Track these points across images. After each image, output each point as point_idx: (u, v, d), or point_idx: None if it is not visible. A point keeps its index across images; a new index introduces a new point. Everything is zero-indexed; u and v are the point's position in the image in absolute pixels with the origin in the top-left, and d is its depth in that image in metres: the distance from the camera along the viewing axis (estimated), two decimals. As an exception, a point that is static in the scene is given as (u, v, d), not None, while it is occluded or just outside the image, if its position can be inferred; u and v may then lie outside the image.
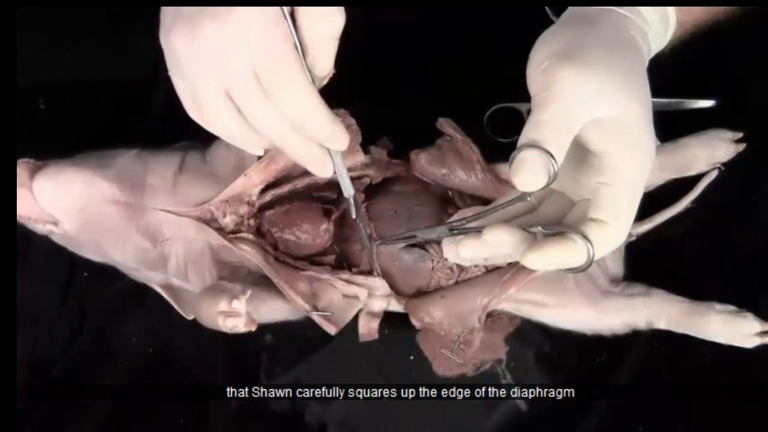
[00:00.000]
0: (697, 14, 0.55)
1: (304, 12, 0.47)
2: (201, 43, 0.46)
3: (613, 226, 0.44)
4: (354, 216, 0.61)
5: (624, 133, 0.45)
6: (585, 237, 0.44)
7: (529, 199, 0.47)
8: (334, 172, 0.55)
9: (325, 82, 0.50)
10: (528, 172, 0.43)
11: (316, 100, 0.49)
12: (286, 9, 0.46)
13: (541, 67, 0.46)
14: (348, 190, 0.58)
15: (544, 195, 0.50)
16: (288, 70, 0.47)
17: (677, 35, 0.55)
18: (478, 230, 0.47)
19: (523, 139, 0.44)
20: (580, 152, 0.47)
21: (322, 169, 0.55)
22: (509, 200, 0.49)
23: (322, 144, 0.52)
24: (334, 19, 0.48)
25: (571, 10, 0.51)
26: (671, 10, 0.52)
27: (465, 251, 0.49)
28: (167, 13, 0.49)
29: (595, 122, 0.44)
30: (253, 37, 0.46)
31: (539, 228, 0.46)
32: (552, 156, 0.43)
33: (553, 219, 0.49)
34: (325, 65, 0.49)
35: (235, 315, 0.57)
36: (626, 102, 0.45)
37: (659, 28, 0.51)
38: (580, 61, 0.45)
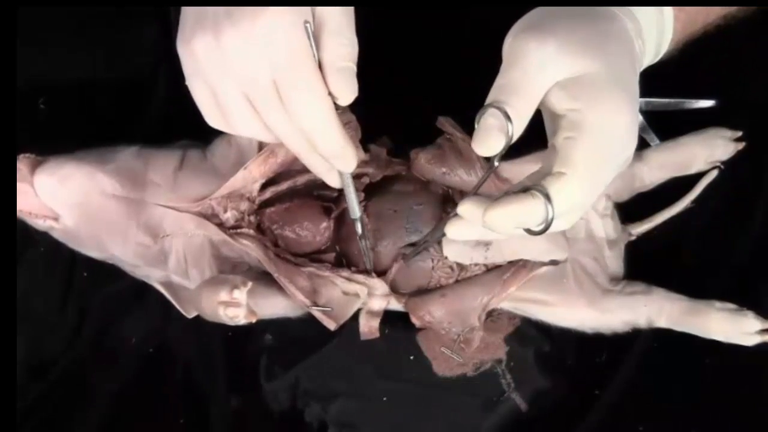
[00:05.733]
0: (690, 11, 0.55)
1: (327, 30, 0.48)
2: (223, 50, 0.47)
3: (569, 176, 0.44)
4: (360, 233, 0.62)
5: (587, 90, 0.44)
6: (544, 191, 0.43)
7: (496, 164, 0.46)
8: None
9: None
10: (484, 136, 0.44)
11: (329, 115, 0.50)
12: (309, 24, 0.47)
13: (507, 42, 0.47)
14: (355, 212, 0.60)
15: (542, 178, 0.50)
16: (304, 81, 0.48)
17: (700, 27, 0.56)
18: None
19: (485, 104, 0.45)
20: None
21: (330, 181, 0.57)
22: (484, 175, 0.49)
23: (330, 161, 0.53)
24: (353, 42, 0.49)
25: None
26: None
27: (454, 233, 0.49)
28: (187, 20, 0.50)
29: (559, 84, 0.45)
30: (274, 46, 0.47)
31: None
32: (509, 117, 0.43)
33: None
34: (345, 88, 0.49)
35: (235, 305, 0.57)
36: (589, 61, 0.45)
37: (651, 10, 0.51)
38: (538, 28, 0.46)
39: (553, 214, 0.43)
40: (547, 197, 0.43)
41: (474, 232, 0.48)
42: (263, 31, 0.46)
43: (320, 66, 0.48)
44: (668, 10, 0.52)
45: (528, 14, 0.48)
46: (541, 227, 0.44)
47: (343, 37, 0.49)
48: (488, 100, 0.45)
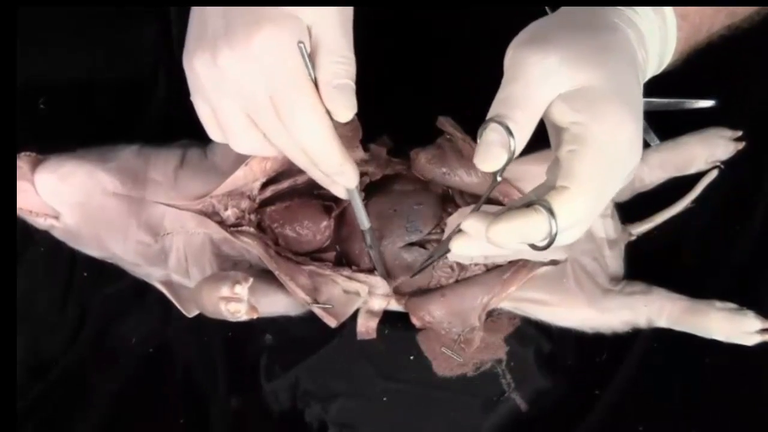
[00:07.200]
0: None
1: (323, 49, 0.48)
2: (220, 68, 0.48)
3: (572, 190, 0.43)
4: (368, 242, 0.63)
5: (589, 102, 0.44)
6: (547, 206, 0.43)
7: (499, 179, 0.46)
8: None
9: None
10: (486, 151, 0.44)
11: (326, 135, 0.50)
12: (303, 44, 0.47)
13: (507, 56, 0.47)
14: (364, 223, 0.60)
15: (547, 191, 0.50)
16: (299, 101, 0.48)
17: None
18: None
19: (486, 119, 0.45)
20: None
21: (336, 192, 0.57)
22: (487, 189, 0.49)
23: (331, 177, 0.54)
24: (350, 60, 0.49)
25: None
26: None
27: (458, 249, 0.48)
28: (190, 36, 0.50)
29: (561, 97, 0.45)
30: (269, 66, 0.47)
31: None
32: (510, 132, 0.43)
33: None
34: (341, 106, 0.49)
35: (237, 300, 0.57)
36: (591, 73, 0.44)
37: (652, 16, 0.51)
38: (539, 41, 0.45)
39: (557, 229, 0.43)
40: (551, 212, 0.43)
41: (479, 247, 0.48)
42: (257, 51, 0.47)
43: (317, 84, 0.49)
44: (671, 19, 0.52)
45: (529, 26, 0.48)
46: (546, 242, 0.44)
47: (340, 55, 0.49)
48: (489, 114, 0.45)
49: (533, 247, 0.45)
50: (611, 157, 0.44)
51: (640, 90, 0.48)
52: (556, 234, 0.43)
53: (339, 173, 0.53)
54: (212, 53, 0.47)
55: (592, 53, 0.45)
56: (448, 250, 0.50)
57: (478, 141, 0.45)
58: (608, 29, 0.48)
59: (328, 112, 0.50)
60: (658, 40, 0.51)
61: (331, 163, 0.52)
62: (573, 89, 0.44)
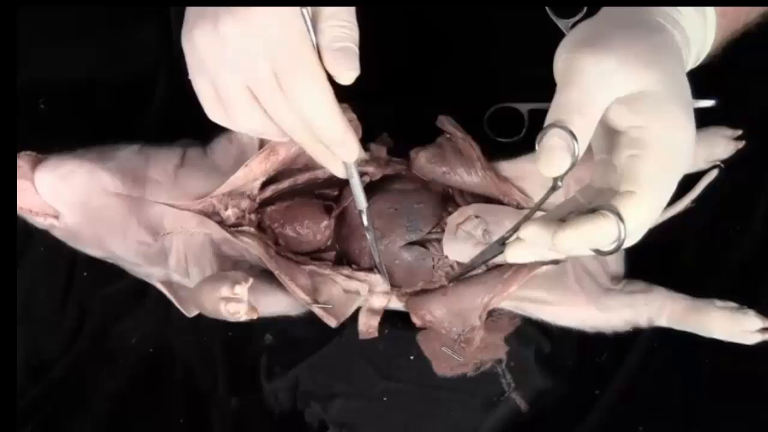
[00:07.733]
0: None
1: (323, 15, 0.48)
2: (222, 40, 0.48)
3: (639, 194, 0.43)
4: (365, 223, 0.62)
5: (648, 105, 0.44)
6: (615, 211, 0.43)
7: (559, 184, 0.46)
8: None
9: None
10: (550, 156, 0.44)
11: (327, 100, 0.49)
12: (306, 10, 0.47)
13: (561, 59, 0.46)
14: (361, 203, 0.59)
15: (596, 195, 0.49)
16: (302, 66, 0.48)
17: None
18: None
19: (545, 125, 0.44)
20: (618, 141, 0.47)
21: (335, 170, 0.56)
22: (544, 195, 0.49)
23: (332, 150, 0.53)
24: (351, 24, 0.49)
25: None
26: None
27: (513, 257, 0.48)
28: (190, 14, 0.50)
29: (620, 101, 0.45)
30: (272, 34, 0.47)
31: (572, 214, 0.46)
32: (573, 136, 0.43)
33: None
34: (343, 66, 0.49)
35: (237, 300, 0.57)
36: (646, 76, 0.44)
37: (695, 16, 0.51)
38: (594, 44, 0.45)
39: (626, 233, 0.43)
40: (619, 216, 0.43)
41: (535, 253, 0.48)
42: (260, 17, 0.47)
43: (319, 51, 0.49)
44: (711, 18, 0.52)
45: (577, 29, 0.48)
46: (613, 246, 0.44)
47: (340, 19, 0.49)
48: (548, 119, 0.44)
49: (598, 252, 0.45)
50: (673, 158, 0.44)
51: (689, 88, 0.48)
52: (624, 238, 0.44)
53: (340, 143, 0.52)
54: (214, 23, 0.48)
55: (647, 54, 0.45)
56: (500, 251, 0.50)
57: (538, 147, 0.44)
58: (657, 30, 0.48)
59: (331, 80, 0.49)
60: (699, 38, 0.51)
61: (333, 131, 0.51)
62: (630, 92, 0.44)
